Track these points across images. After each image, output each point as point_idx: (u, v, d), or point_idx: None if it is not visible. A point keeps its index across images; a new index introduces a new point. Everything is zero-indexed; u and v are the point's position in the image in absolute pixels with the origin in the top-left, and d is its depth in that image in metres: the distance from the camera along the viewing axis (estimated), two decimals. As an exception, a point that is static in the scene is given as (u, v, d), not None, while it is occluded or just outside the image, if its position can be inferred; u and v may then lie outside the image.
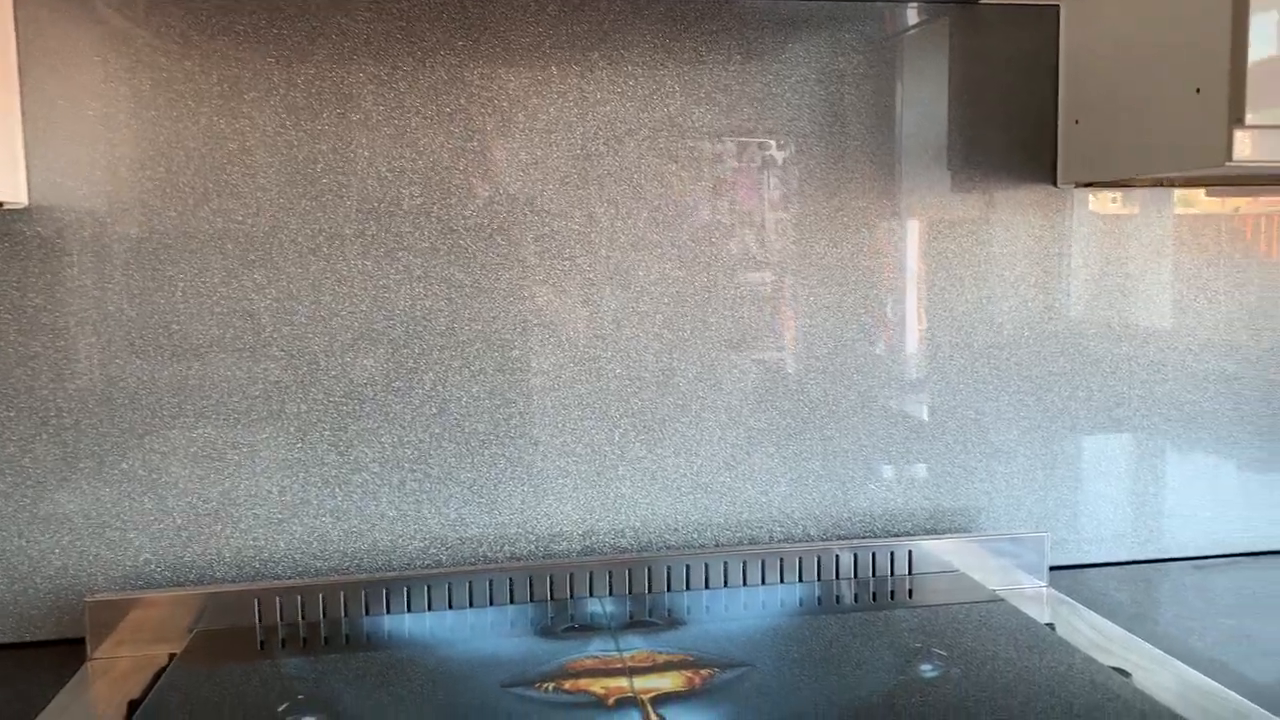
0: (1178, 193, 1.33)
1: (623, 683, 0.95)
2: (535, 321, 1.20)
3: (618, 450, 1.23)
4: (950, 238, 1.28)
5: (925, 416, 1.29)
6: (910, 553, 1.24)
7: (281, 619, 1.11)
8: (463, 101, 1.16)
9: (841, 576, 1.23)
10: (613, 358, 1.22)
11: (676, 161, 1.21)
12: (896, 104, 1.25)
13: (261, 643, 1.07)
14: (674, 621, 1.11)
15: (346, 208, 1.15)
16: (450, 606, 1.15)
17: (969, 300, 1.29)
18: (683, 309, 1.23)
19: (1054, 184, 1.30)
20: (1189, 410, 1.35)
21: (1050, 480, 1.33)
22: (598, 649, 1.03)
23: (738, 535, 1.27)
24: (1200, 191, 1.34)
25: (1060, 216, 1.30)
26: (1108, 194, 1.32)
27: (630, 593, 1.19)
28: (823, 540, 1.27)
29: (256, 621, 1.10)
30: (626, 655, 1.01)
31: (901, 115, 1.26)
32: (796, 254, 1.25)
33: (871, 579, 1.23)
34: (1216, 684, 0.97)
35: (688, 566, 1.20)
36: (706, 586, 1.20)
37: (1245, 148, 1.00)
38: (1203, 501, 1.37)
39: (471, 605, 1.15)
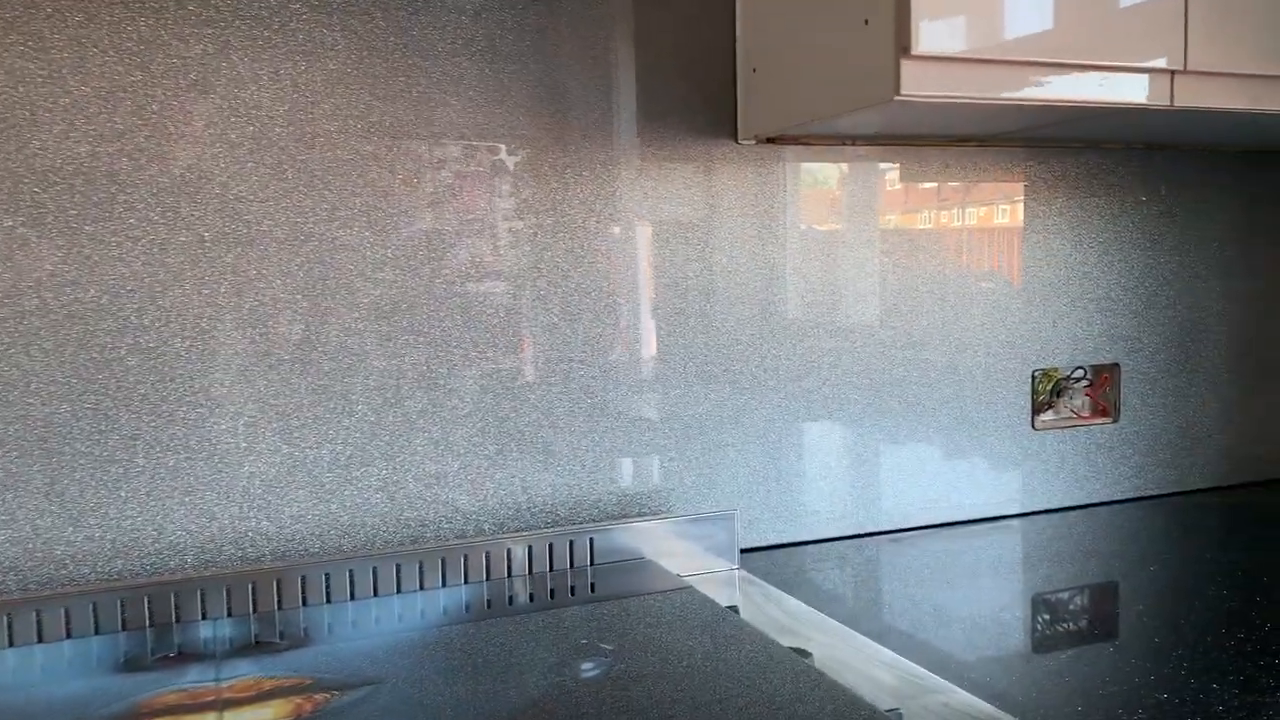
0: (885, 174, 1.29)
1: (209, 719, 0.75)
2: (205, 315, 0.98)
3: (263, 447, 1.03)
4: (688, 244, 1.17)
5: (621, 402, 1.17)
6: (591, 541, 1.11)
7: None
8: (148, 73, 0.93)
9: (515, 574, 1.08)
10: (314, 361, 1.02)
11: (397, 164, 1.03)
12: (618, 85, 1.13)
13: None
14: (302, 640, 0.92)
15: None
16: (11, 643, 0.90)
17: (693, 290, 1.18)
18: (398, 316, 1.05)
19: (735, 139, 1.21)
20: (881, 387, 1.30)
21: (745, 460, 1.24)
22: (192, 680, 0.83)
23: (399, 535, 1.09)
24: (895, 170, 1.30)
25: (777, 227, 1.22)
26: (824, 215, 1.25)
27: (255, 611, 0.98)
28: (497, 535, 1.12)
29: None
30: (225, 685, 0.81)
31: (620, 98, 1.13)
32: (529, 261, 1.10)
33: (549, 574, 1.09)
34: (899, 656, 0.89)
35: (327, 575, 1.01)
36: (352, 597, 1.02)
37: (913, 80, 0.94)
38: (899, 476, 1.32)
39: (41, 639, 0.91)
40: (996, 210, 1.37)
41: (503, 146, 1.11)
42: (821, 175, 1.26)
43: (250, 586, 0.98)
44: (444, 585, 1.05)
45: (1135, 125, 1.22)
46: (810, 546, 1.26)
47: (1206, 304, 1.49)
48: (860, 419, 1.30)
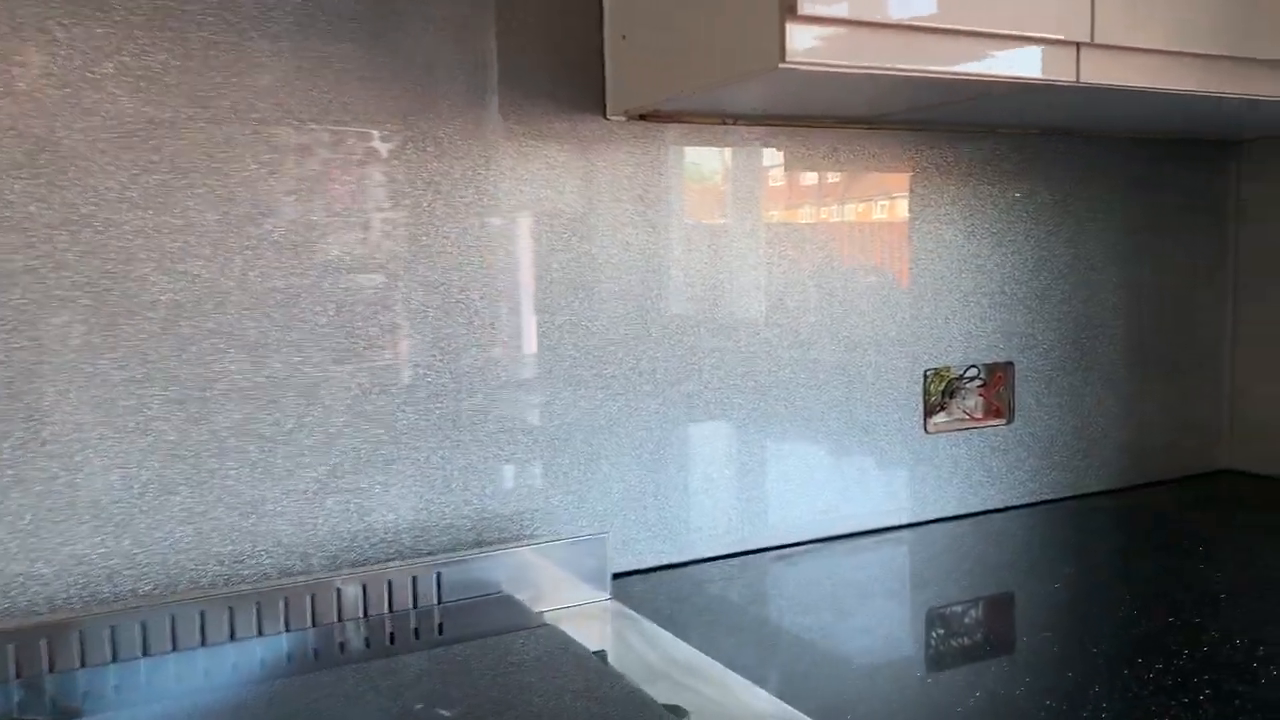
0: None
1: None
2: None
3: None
4: (554, 232, 1.02)
5: (477, 412, 1.02)
6: (439, 576, 0.96)
7: None
8: None
9: (347, 617, 0.92)
10: (100, 372, 0.84)
11: (265, 148, 0.86)
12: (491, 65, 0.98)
13: None
14: (76, 711, 0.75)
15: None
16: None
17: (574, 291, 1.04)
18: (203, 317, 0.88)
19: (604, 115, 1.08)
20: (766, 390, 1.19)
21: (619, 473, 1.11)
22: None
23: (209, 575, 0.93)
24: (781, 154, 1.18)
25: (653, 214, 1.09)
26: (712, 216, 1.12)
27: (19, 676, 0.81)
28: (328, 572, 0.96)
29: None
30: (-49, 787, 0.64)
31: (487, 74, 0.98)
32: (406, 253, 0.95)
33: (388, 616, 0.94)
34: (787, 707, 0.77)
35: (113, 629, 0.84)
36: (145, 653, 0.85)
37: (800, 46, 0.82)
38: (786, 487, 1.21)
39: None
40: (886, 199, 1.27)
41: (343, 128, 0.95)
42: (700, 158, 1.14)
43: (12, 647, 0.81)
44: (260, 634, 0.89)
45: (1036, 105, 1.13)
46: (692, 568, 1.14)
47: (1102, 297, 1.43)
48: (745, 425, 1.18)
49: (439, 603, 0.96)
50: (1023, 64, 0.92)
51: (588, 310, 1.08)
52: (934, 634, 0.95)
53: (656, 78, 1.00)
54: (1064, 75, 0.95)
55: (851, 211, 1.24)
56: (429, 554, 1.00)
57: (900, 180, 1.27)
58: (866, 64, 0.84)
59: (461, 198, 1.01)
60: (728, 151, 1.15)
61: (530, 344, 1.05)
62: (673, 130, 1.12)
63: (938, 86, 0.96)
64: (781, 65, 0.82)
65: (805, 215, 1.21)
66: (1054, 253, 1.38)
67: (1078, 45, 0.95)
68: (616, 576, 1.10)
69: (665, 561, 1.14)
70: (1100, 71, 0.96)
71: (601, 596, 1.02)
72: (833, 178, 1.22)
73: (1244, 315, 1.54)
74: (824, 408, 1.23)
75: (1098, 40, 0.94)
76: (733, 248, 1.16)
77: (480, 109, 1.02)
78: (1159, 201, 1.47)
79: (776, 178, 1.19)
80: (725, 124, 1.15)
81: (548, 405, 1.07)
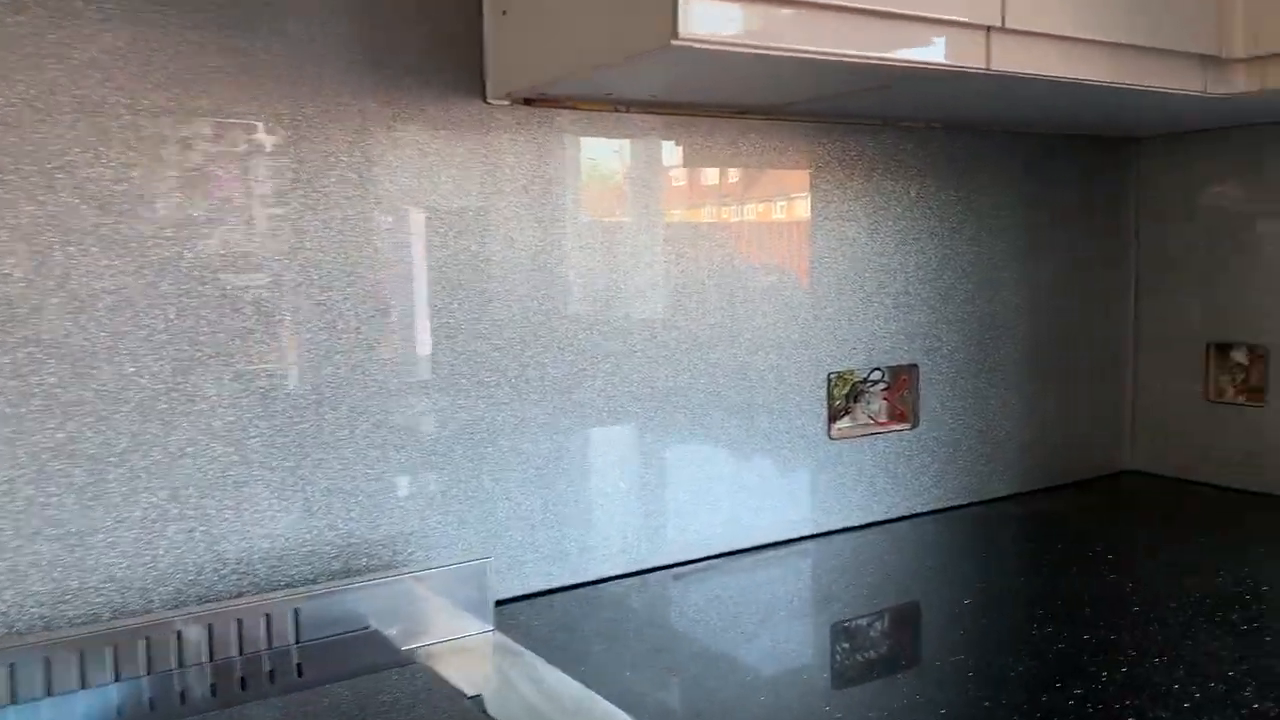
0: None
1: None
2: None
3: None
4: (430, 226, 0.92)
5: (343, 426, 0.92)
6: (297, 614, 0.85)
7: None
8: None
9: (190, 663, 0.81)
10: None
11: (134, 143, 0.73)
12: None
13: None
14: None
15: None
16: None
17: (468, 289, 0.94)
18: (14, 324, 0.76)
19: (484, 99, 0.99)
20: (663, 397, 1.11)
21: (505, 490, 1.02)
22: None
23: (24, 620, 0.80)
24: (678, 145, 1.10)
25: (538, 208, 1.00)
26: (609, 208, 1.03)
27: None
28: (169, 610, 0.85)
29: None
30: None
31: (368, 54, 0.88)
32: (258, 251, 0.83)
33: (239, 660, 0.83)
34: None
35: (-102, 688, 0.72)
36: (-60, 715, 0.73)
37: (695, 20, 0.74)
38: (685, 500, 1.13)
39: None
40: (788, 196, 1.20)
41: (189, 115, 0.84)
42: (593, 148, 1.05)
43: None
44: (84, 685, 0.77)
45: (944, 96, 1.07)
46: (584, 590, 1.06)
47: (1005, 297, 1.39)
48: (642, 434, 1.10)
49: (296, 642, 0.85)
50: (931, 49, 0.86)
51: (468, 313, 0.99)
52: (839, 654, 0.89)
53: (540, 57, 0.91)
54: (974, 62, 0.89)
55: (752, 208, 1.17)
56: (286, 586, 0.89)
57: (802, 176, 1.20)
58: (764, 44, 0.76)
59: (322, 188, 0.91)
60: (623, 142, 1.07)
61: (404, 350, 0.96)
62: (562, 117, 1.03)
63: (841, 72, 0.90)
64: (674, 43, 0.74)
65: (705, 212, 1.14)
66: (957, 251, 1.34)
67: (988, 29, 0.89)
68: (502, 603, 1.01)
69: (556, 584, 1.06)
70: (1011, 58, 0.91)
71: (483, 628, 0.93)
72: (734, 172, 1.15)
73: (1145, 314, 1.52)
74: (724, 415, 1.16)
75: (1009, 25, 0.89)
76: (628, 246, 1.08)
77: (340, 87, 0.91)
78: (1061, 199, 1.44)
79: (675, 171, 1.11)
80: (619, 111, 1.07)
81: (424, 417, 0.97)
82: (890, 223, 1.27)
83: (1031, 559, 1.14)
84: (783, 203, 1.20)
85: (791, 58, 0.80)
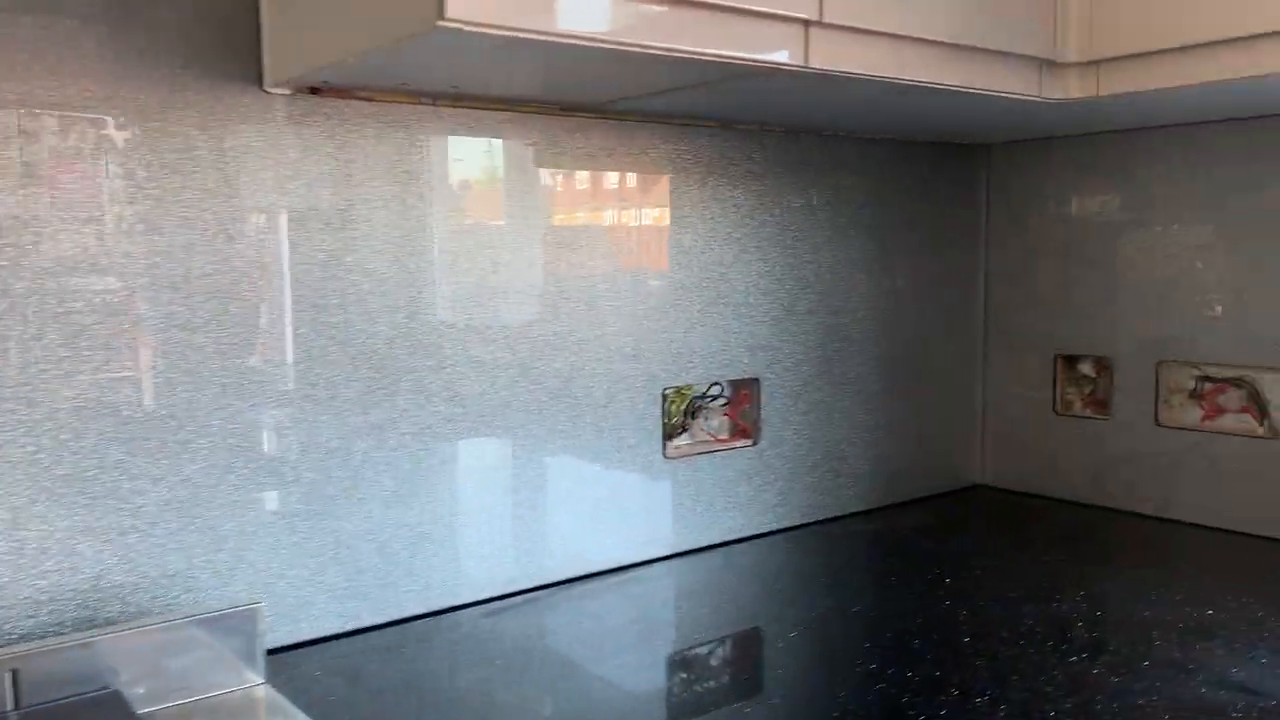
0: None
1: None
2: None
3: None
4: (188, 227, 0.81)
5: (85, 454, 0.80)
6: (15, 675, 0.74)
7: None
8: None
9: (-127, 740, 0.69)
10: None
11: None
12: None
13: None
14: None
15: None
16: None
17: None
18: None
19: (260, 88, 0.88)
20: (481, 416, 1.02)
21: (289, 525, 0.91)
22: None
23: None
24: (490, 142, 1.01)
25: (328, 210, 0.89)
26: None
27: None
28: None
29: None
30: None
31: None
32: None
33: (-59, 732, 0.71)
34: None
35: None
36: None
37: (462, 1, 0.66)
38: (503, 530, 1.05)
39: None
40: (619, 199, 1.13)
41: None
42: (390, 145, 0.96)
43: None
44: None
45: (768, 95, 1.01)
46: (384, 632, 0.96)
47: (853, 307, 1.34)
48: (454, 458, 1.01)
49: (17, 707, 0.74)
50: (742, 43, 0.79)
51: (223, 327, 0.88)
52: (673, 693, 0.81)
53: (313, 41, 0.81)
54: (791, 58, 0.83)
55: (579, 212, 1.09)
56: (5, 645, 0.78)
57: (635, 179, 1.13)
58: (540, 29, 0.68)
59: (64, 184, 0.79)
60: (426, 139, 0.98)
61: (153, 369, 0.84)
62: (354, 109, 0.93)
63: (648, 65, 0.82)
64: (440, 24, 0.65)
65: (523, 217, 1.05)
66: (801, 259, 1.28)
67: (806, 24, 0.83)
68: (283, 651, 0.90)
69: (351, 626, 0.96)
70: (831, 55, 0.85)
71: (251, 681, 0.83)
72: (558, 174, 1.07)
73: (995, 325, 1.49)
74: (548, 433, 1.07)
75: (827, 19, 0.83)
76: (432, 252, 0.99)
77: (98, 65, 0.80)
78: (912, 206, 1.39)
79: (490, 172, 1.02)
80: (422, 104, 0.97)
81: (186, 445, 0.86)
82: (729, 230, 1.21)
83: (870, 582, 1.08)
84: (613, 207, 1.12)
85: (576, 46, 0.72)
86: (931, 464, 1.46)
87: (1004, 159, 1.46)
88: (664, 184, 1.15)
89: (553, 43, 0.70)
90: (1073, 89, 1.02)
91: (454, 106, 0.99)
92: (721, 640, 0.94)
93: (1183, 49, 0.95)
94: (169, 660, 0.80)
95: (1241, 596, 1.02)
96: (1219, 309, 1.25)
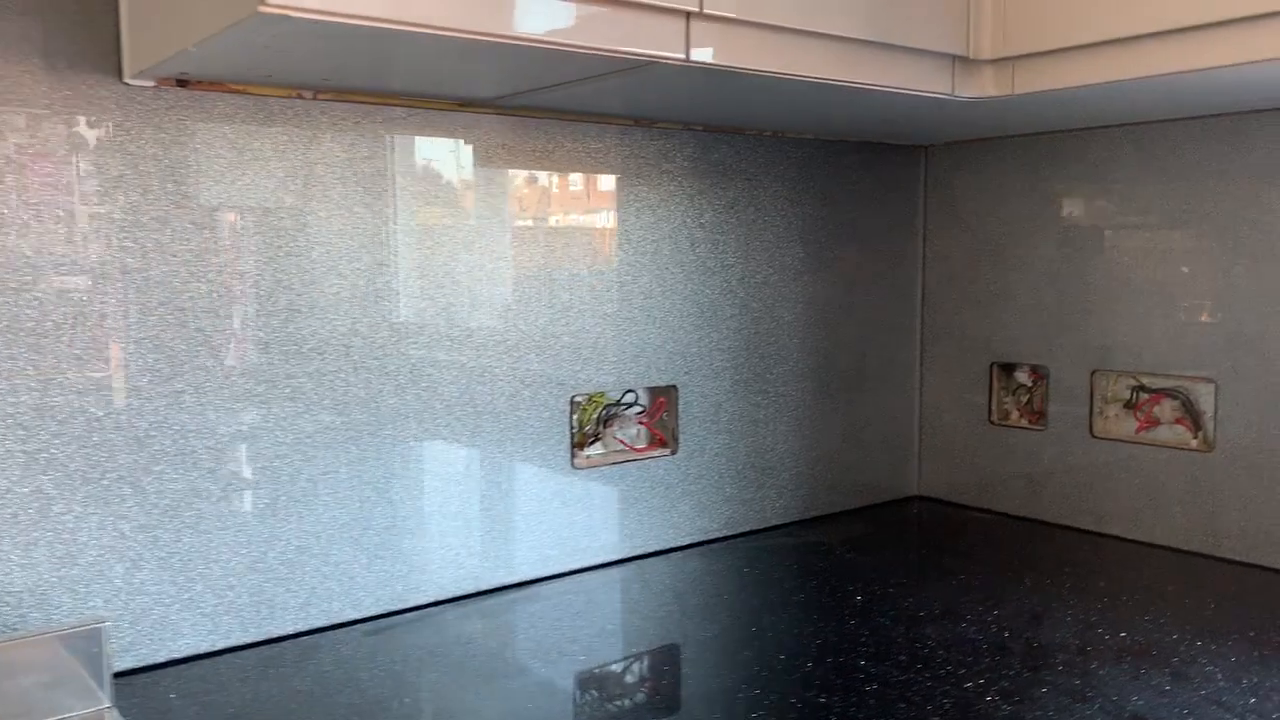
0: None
1: None
2: None
3: None
4: (41, 224, 0.77)
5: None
6: None
7: None
8: None
9: None
10: None
11: None
12: None
13: None
14: None
15: None
16: None
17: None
18: None
19: (118, 82, 0.84)
20: (380, 425, 0.98)
21: (149, 538, 0.87)
22: None
23: None
24: (381, 140, 0.97)
25: (183, 215, 0.85)
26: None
27: None
28: None
29: None
30: None
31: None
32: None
33: None
34: None
35: None
36: None
37: (285, -15, 0.61)
38: (403, 543, 1.00)
39: None
40: (520, 198, 1.08)
41: None
42: (247, 140, 0.91)
43: None
44: None
45: (670, 90, 0.96)
46: (257, 652, 0.92)
47: (781, 313, 1.30)
48: (332, 467, 0.96)
49: None
50: (618, 33, 0.75)
51: (45, 334, 0.84)
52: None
53: (158, 31, 0.77)
54: (671, 50, 0.78)
55: (479, 211, 1.05)
56: None
57: (543, 176, 1.09)
58: (376, 15, 0.64)
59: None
60: (315, 135, 0.93)
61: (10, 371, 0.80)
62: (224, 103, 0.89)
63: (523, 59, 0.78)
64: (261, 10, 0.61)
65: (419, 215, 1.01)
66: (724, 263, 1.24)
67: (687, 14, 0.79)
68: (140, 672, 0.86)
69: (221, 645, 0.91)
70: (714, 49, 0.80)
71: (97, 705, 0.78)
72: (456, 171, 1.03)
73: (931, 332, 1.45)
74: (443, 443, 1.03)
75: (708, 10, 0.79)
76: (312, 254, 0.94)
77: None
78: (846, 209, 1.35)
79: (376, 168, 0.98)
80: (300, 97, 0.93)
81: (36, 456, 0.82)
82: (644, 231, 1.17)
83: (777, 599, 1.04)
84: (516, 207, 1.07)
85: (408, 34, 0.67)
86: (868, 475, 1.42)
87: (943, 160, 1.41)
88: (575, 182, 1.11)
89: (384, 30, 0.65)
90: (988, 87, 0.98)
91: (341, 100, 0.95)
92: (597, 665, 0.90)
93: (1099, 44, 0.91)
94: (6, 682, 0.75)
95: (1160, 617, 0.98)
96: (1155, 317, 1.20)
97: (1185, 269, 1.17)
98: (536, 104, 1.02)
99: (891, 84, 0.93)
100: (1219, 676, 0.84)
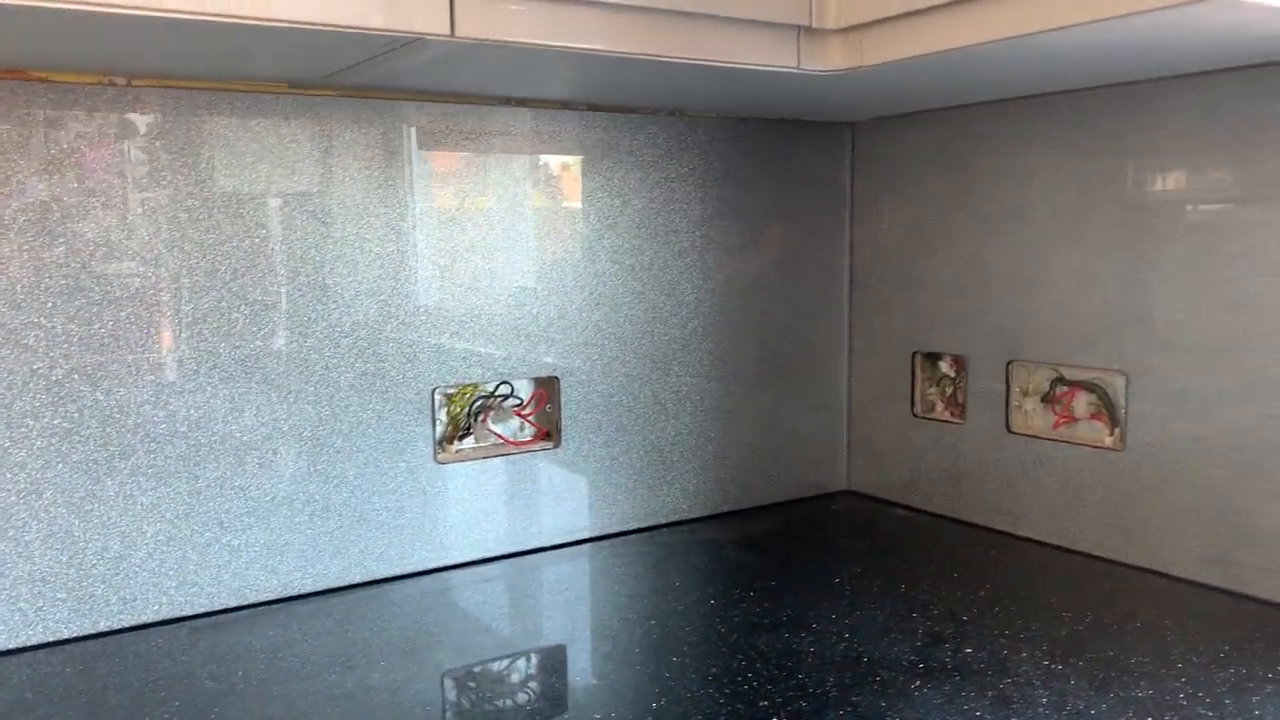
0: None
1: None
2: None
3: None
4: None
5: None
6: None
7: None
8: None
9: None
10: None
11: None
12: None
13: None
14: None
15: None
16: None
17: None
18: None
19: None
20: (196, 429, 0.96)
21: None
22: None
23: None
24: (215, 122, 0.95)
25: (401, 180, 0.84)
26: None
27: None
28: None
29: None
30: None
31: None
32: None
33: None
34: None
35: None
36: None
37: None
38: (233, 541, 0.98)
39: None
40: (390, 179, 1.05)
41: None
42: (59, 126, 0.90)
43: None
44: None
45: (431, 67, 0.91)
46: (67, 650, 0.91)
47: (683, 297, 1.24)
48: (167, 473, 0.95)
49: None
50: (354, 9, 0.71)
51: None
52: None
53: None
54: (432, 27, 0.74)
55: (339, 193, 1.02)
56: None
57: (399, 155, 1.05)
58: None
59: None
60: (128, 117, 0.91)
61: None
62: (44, 94, 0.87)
63: (284, 40, 0.74)
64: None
65: (270, 198, 0.98)
66: (617, 246, 1.18)
67: (449, -7, 0.74)
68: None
69: (36, 641, 0.91)
70: (482, 23, 0.76)
71: None
72: (300, 153, 1.00)
73: (860, 321, 1.37)
74: (295, 445, 1.01)
75: (469, -19, 0.74)
76: (111, 232, 0.92)
77: None
78: (762, 189, 1.28)
79: (207, 153, 0.96)
80: (112, 85, 0.91)
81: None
82: (527, 213, 1.12)
83: (651, 601, 0.99)
84: (378, 188, 1.04)
85: (138, 18, 0.64)
86: (791, 468, 1.35)
87: (870, 136, 1.33)
88: (450, 160, 1.07)
89: (52, 10, 0.62)
90: (835, 59, 0.91)
91: (161, 86, 0.92)
92: (520, 666, 0.86)
93: (946, 5, 0.83)
94: None
95: (1023, 632, 0.90)
96: (1071, 304, 1.11)
97: (1106, 254, 1.08)
98: (375, 84, 0.98)
99: (729, 60, 0.87)
100: (1043, 701, 0.77)
